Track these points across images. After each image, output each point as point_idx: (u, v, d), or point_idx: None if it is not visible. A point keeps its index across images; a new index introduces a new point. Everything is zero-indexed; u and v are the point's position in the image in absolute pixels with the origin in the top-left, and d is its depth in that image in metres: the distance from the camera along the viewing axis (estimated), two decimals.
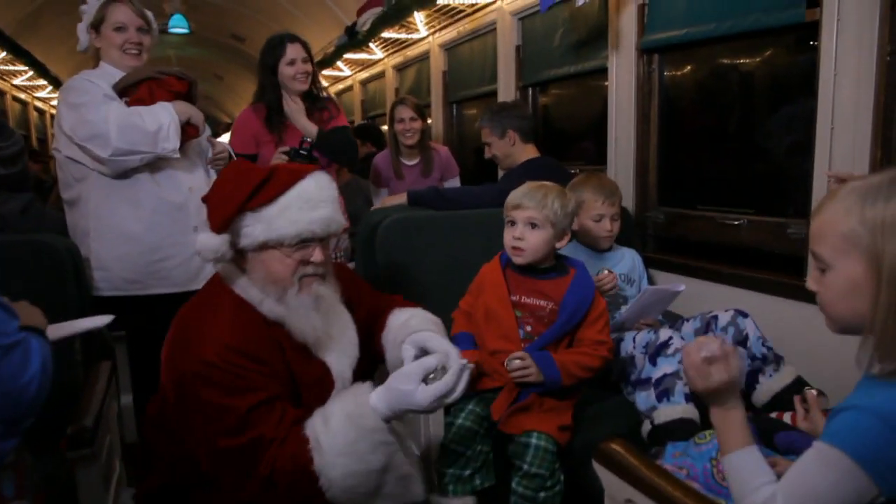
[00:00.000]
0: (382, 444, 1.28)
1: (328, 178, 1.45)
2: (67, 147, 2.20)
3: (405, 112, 3.28)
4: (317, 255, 1.40)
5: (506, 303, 1.82)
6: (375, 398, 1.32)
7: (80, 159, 2.19)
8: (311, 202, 1.38)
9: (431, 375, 1.33)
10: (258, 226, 1.36)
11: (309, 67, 2.78)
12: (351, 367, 1.54)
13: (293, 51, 2.73)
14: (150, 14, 2.37)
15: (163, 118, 2.18)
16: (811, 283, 1.04)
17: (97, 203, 2.22)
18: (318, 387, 1.45)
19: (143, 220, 2.22)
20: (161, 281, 2.27)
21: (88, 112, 2.13)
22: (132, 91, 2.25)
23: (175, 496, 1.41)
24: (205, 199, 1.44)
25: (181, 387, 1.31)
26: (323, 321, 1.45)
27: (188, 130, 2.27)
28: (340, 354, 1.53)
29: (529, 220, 1.79)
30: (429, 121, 2.94)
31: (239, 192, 1.35)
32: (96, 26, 2.30)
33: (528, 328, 1.81)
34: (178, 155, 2.22)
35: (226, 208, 1.35)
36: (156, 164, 2.24)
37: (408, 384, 1.31)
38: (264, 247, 1.37)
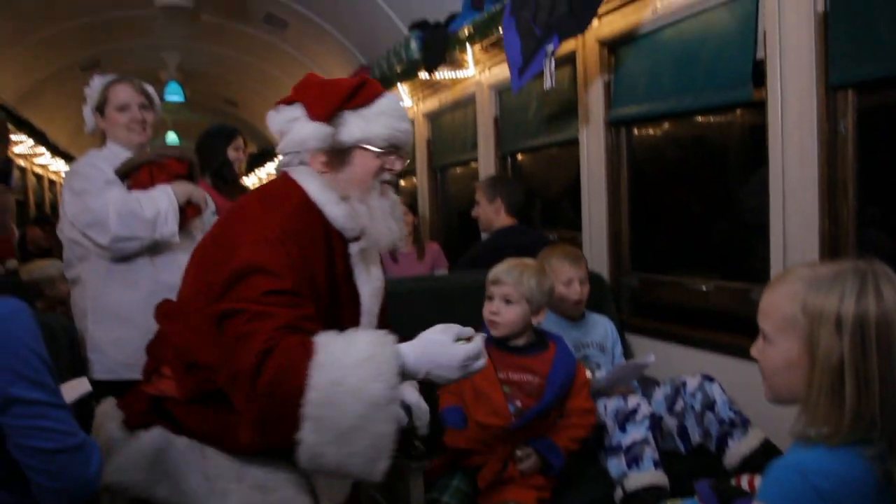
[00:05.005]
0: (384, 380, 1.23)
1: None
2: (70, 230, 2.23)
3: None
4: (398, 164, 1.52)
5: (493, 381, 1.89)
6: (405, 346, 1.32)
7: (81, 241, 2.22)
8: (400, 113, 1.52)
9: (461, 340, 1.34)
10: (356, 124, 1.46)
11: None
12: (378, 309, 1.61)
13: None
14: (150, 89, 2.40)
15: (161, 203, 2.19)
16: (755, 350, 1.14)
17: (95, 284, 2.23)
18: (348, 309, 1.50)
19: (138, 302, 2.15)
20: None
21: (90, 199, 2.15)
22: (133, 174, 2.27)
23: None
24: (287, 101, 1.50)
25: (231, 257, 1.35)
26: (398, 228, 1.54)
27: (188, 211, 2.28)
28: (373, 294, 1.59)
29: (505, 297, 1.88)
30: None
31: (339, 90, 1.46)
32: (100, 108, 2.33)
33: (518, 403, 1.89)
34: (177, 239, 2.23)
35: (329, 101, 1.44)
36: (156, 246, 2.23)
37: (442, 336, 1.32)
38: (355, 147, 1.47)
